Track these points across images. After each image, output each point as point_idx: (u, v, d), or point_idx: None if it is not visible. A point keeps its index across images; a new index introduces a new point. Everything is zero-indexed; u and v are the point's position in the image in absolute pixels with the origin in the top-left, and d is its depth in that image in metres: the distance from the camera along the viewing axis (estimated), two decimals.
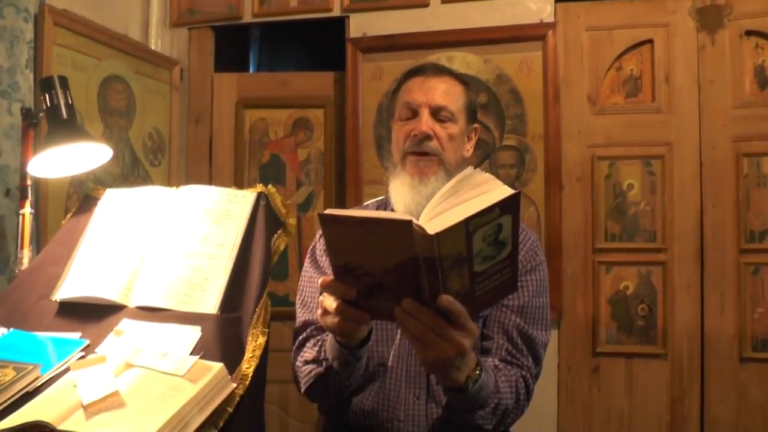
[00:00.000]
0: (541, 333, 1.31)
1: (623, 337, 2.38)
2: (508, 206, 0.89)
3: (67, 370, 1.07)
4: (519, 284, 1.27)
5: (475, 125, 1.42)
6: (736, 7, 2.32)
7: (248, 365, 1.11)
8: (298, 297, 1.43)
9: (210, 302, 1.20)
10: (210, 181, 2.69)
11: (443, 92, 1.34)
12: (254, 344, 1.15)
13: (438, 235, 0.83)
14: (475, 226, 0.87)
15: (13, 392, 1.02)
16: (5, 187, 1.84)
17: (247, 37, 3.40)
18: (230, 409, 1.03)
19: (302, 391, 1.32)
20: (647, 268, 2.37)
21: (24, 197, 1.63)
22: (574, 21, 2.47)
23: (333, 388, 1.25)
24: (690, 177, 2.35)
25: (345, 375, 1.20)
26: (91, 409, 0.96)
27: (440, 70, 1.40)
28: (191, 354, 1.09)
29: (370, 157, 2.58)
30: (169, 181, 2.64)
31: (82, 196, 1.54)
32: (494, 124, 2.49)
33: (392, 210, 1.35)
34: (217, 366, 1.02)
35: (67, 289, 1.26)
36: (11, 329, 1.18)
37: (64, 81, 1.53)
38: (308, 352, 1.29)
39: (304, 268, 1.46)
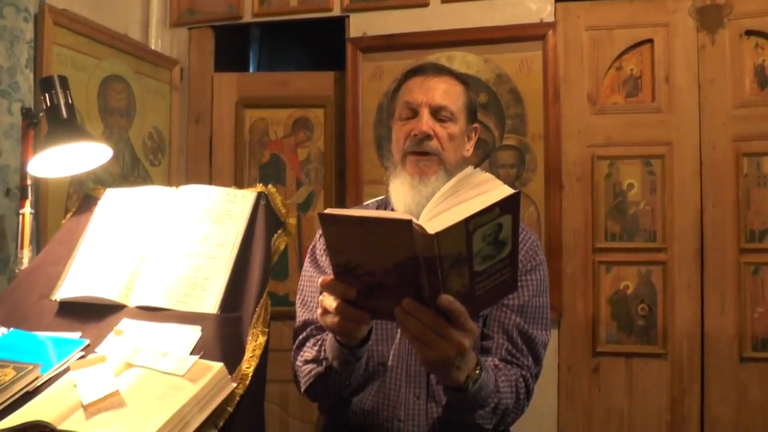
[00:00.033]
0: (541, 332, 1.31)
1: (623, 337, 2.38)
2: (508, 206, 0.90)
3: (67, 369, 1.07)
4: (519, 284, 1.27)
5: (475, 125, 1.42)
6: (736, 6, 2.32)
7: (248, 365, 1.11)
8: (298, 296, 1.43)
9: (210, 302, 1.20)
10: (210, 180, 2.69)
11: (443, 92, 1.34)
12: (254, 344, 1.15)
13: (438, 234, 0.83)
14: (475, 225, 0.87)
15: (13, 392, 1.02)
16: (5, 187, 1.84)
17: (247, 36, 3.40)
18: (230, 409, 1.03)
19: (302, 390, 1.32)
20: (647, 268, 2.37)
21: (24, 197, 1.63)
22: (574, 21, 2.47)
23: (333, 387, 1.25)
24: (690, 177, 2.35)
25: (345, 374, 1.20)
26: (91, 409, 0.96)
27: (440, 70, 1.40)
28: (191, 354, 1.09)
29: (370, 156, 2.58)
30: (169, 180, 2.64)
31: (82, 195, 1.54)
32: (494, 124, 2.49)
33: (392, 210, 1.35)
34: (217, 366, 1.02)
35: (67, 289, 1.26)
36: (11, 329, 1.18)
37: (64, 81, 1.53)
38: (308, 352, 1.29)
39: (304, 268, 1.46)
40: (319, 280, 0.99)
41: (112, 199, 1.42)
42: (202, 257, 1.26)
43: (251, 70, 3.44)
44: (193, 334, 1.13)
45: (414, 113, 1.33)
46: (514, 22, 2.48)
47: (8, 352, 1.11)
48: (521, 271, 1.31)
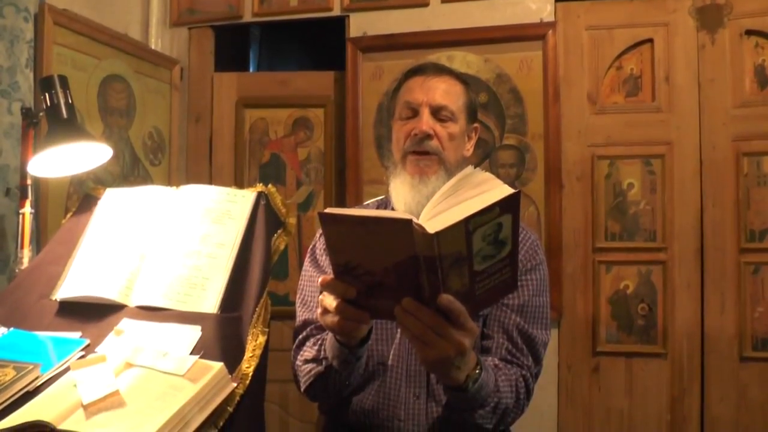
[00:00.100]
0: (541, 332, 1.31)
1: (623, 337, 2.38)
2: (508, 205, 0.90)
3: (67, 369, 1.07)
4: (519, 283, 1.27)
5: (476, 125, 1.42)
6: (736, 6, 2.32)
7: (248, 365, 1.11)
8: (298, 296, 1.43)
9: (210, 302, 1.20)
10: (210, 180, 2.69)
11: (443, 92, 1.34)
12: (254, 344, 1.15)
13: (438, 234, 0.83)
14: (475, 225, 0.87)
15: (14, 392, 1.02)
16: (5, 187, 1.84)
17: (247, 36, 3.40)
18: (230, 409, 1.03)
19: (302, 390, 1.32)
20: (647, 268, 2.37)
21: (24, 197, 1.63)
22: (574, 20, 2.47)
23: (333, 387, 1.25)
24: (690, 176, 2.35)
25: (345, 374, 1.20)
26: (91, 409, 0.96)
27: (440, 70, 1.40)
28: (191, 353, 1.09)
29: (371, 156, 2.58)
30: (169, 180, 2.64)
31: (82, 195, 1.55)
32: (494, 124, 2.48)
33: (393, 209, 1.35)
34: (217, 365, 1.02)
35: (67, 289, 1.26)
36: (11, 329, 1.18)
37: (64, 80, 1.53)
38: (308, 351, 1.29)
39: (304, 267, 1.46)
40: (319, 280, 0.99)
41: (112, 199, 1.42)
42: (202, 257, 1.26)
43: (251, 70, 3.44)
44: (193, 333, 1.13)
45: (414, 113, 1.33)
46: (514, 21, 2.48)
47: (8, 351, 1.11)
48: (521, 270, 1.31)
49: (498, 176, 0.96)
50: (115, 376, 1.02)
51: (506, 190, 0.91)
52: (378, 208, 1.50)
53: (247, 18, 2.74)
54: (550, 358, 2.26)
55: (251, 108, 2.75)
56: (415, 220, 0.85)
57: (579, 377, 2.41)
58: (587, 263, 2.42)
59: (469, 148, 1.41)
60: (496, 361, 1.25)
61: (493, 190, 0.92)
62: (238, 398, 1.04)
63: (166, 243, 1.30)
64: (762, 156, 2.29)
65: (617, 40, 2.44)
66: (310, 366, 1.27)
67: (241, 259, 1.27)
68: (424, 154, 1.31)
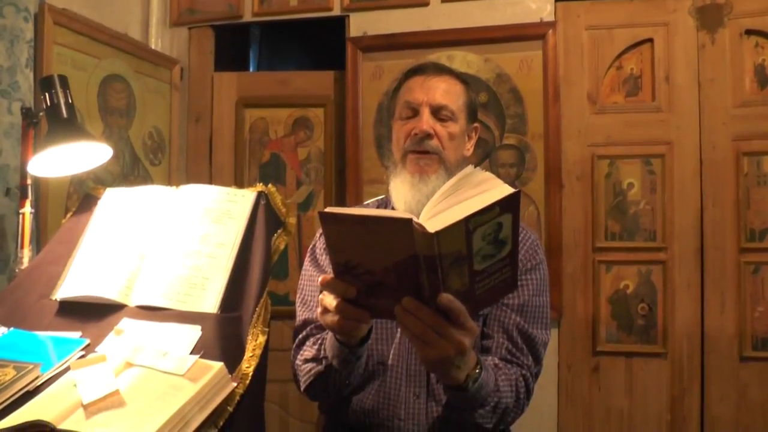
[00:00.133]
0: (541, 332, 1.32)
1: (623, 336, 2.38)
2: (508, 205, 0.90)
3: (67, 369, 1.07)
4: (519, 283, 1.27)
5: (476, 124, 1.43)
6: (736, 6, 2.32)
7: (248, 364, 1.11)
8: (298, 295, 1.43)
9: (210, 301, 1.20)
10: (210, 180, 2.69)
11: (444, 91, 1.34)
12: (254, 343, 1.15)
13: (438, 233, 0.83)
14: (475, 224, 0.87)
15: (14, 391, 1.02)
16: (5, 187, 1.84)
17: (247, 36, 3.40)
18: (230, 409, 1.03)
19: (302, 389, 1.32)
20: (647, 267, 2.37)
21: (24, 196, 1.63)
22: (574, 20, 2.47)
23: (333, 386, 1.25)
24: (690, 176, 2.35)
25: (345, 373, 1.20)
26: (91, 409, 0.96)
27: (441, 70, 1.40)
28: (191, 353, 1.09)
29: (371, 156, 2.58)
30: (170, 180, 2.64)
31: (82, 195, 1.55)
32: (494, 123, 2.48)
33: (393, 208, 1.35)
34: (217, 365, 1.02)
35: (67, 289, 1.26)
36: (11, 328, 1.18)
37: (64, 80, 1.53)
38: (308, 351, 1.29)
39: (304, 267, 1.46)
40: (319, 279, 0.99)
41: (112, 199, 1.42)
42: (202, 257, 1.26)
43: (251, 70, 3.44)
44: (193, 333, 1.13)
45: (414, 112, 1.34)
46: (515, 21, 2.48)
47: (8, 351, 1.11)
48: (521, 270, 1.31)
49: (498, 176, 0.96)
50: (115, 376, 1.02)
51: (506, 190, 0.91)
52: (378, 207, 1.49)
53: (247, 18, 2.74)
54: (550, 358, 2.26)
55: (251, 108, 2.75)
56: (415, 219, 0.85)
57: (579, 377, 2.41)
58: (587, 263, 2.42)
59: (469, 148, 1.41)
60: (496, 361, 1.25)
61: (493, 189, 0.92)
62: (238, 398, 1.04)
63: (166, 243, 1.30)
64: (762, 156, 2.29)
65: (617, 39, 2.44)
66: (310, 365, 1.27)
67: (241, 258, 1.27)
68: (424, 154, 1.31)
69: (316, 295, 1.32)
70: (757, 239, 2.28)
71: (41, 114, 1.59)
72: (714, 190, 2.32)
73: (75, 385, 1.01)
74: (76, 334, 1.17)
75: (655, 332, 2.35)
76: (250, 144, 2.75)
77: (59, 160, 1.55)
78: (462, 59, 2.51)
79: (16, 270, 1.60)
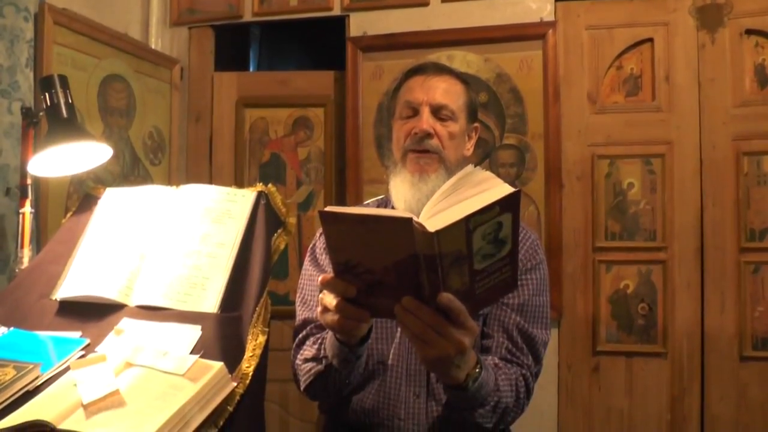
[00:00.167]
0: (541, 331, 1.31)
1: (623, 336, 2.38)
2: (509, 204, 0.89)
3: (67, 369, 1.07)
4: (519, 283, 1.27)
5: (476, 124, 1.42)
6: (736, 5, 2.32)
7: (248, 364, 1.10)
8: (298, 295, 1.43)
9: (210, 301, 1.20)
10: (210, 180, 2.69)
11: (444, 91, 1.34)
12: (254, 343, 1.14)
13: (438, 232, 0.83)
14: (476, 223, 0.87)
15: (14, 391, 1.02)
16: (5, 186, 1.84)
17: (247, 36, 3.40)
18: (230, 408, 1.03)
19: (302, 389, 1.32)
20: (647, 267, 2.37)
21: (24, 196, 1.63)
22: (574, 20, 2.47)
23: (333, 386, 1.25)
24: (690, 176, 2.35)
25: (345, 373, 1.20)
26: (91, 408, 0.96)
27: (441, 69, 1.40)
28: (191, 353, 1.09)
29: (371, 156, 2.58)
30: (170, 180, 2.64)
31: (82, 195, 1.54)
32: (494, 123, 2.48)
33: (393, 208, 1.35)
34: (218, 365, 1.02)
35: (67, 288, 1.26)
36: (11, 328, 1.18)
37: (64, 80, 1.53)
38: (308, 350, 1.29)
39: (304, 267, 1.46)
40: (319, 278, 0.99)
41: (112, 199, 1.42)
42: (202, 256, 1.26)
43: (251, 70, 3.44)
44: (193, 333, 1.13)
45: (415, 112, 1.34)
46: (515, 21, 2.48)
47: (8, 351, 1.11)
48: (521, 270, 1.31)
49: (498, 176, 0.95)
50: (115, 376, 1.02)
51: (506, 189, 0.91)
52: (378, 207, 1.49)
53: (247, 17, 2.74)
54: (550, 358, 2.26)
55: (251, 107, 2.75)
56: (415, 218, 0.85)
57: (579, 377, 2.41)
58: (587, 263, 2.42)
59: (469, 148, 1.41)
60: (496, 361, 1.25)
61: (493, 188, 0.92)
62: (238, 398, 1.04)
63: (166, 242, 1.30)
64: (762, 155, 2.29)
65: (617, 39, 2.44)
66: (310, 365, 1.27)
67: (241, 258, 1.27)
68: (424, 153, 1.31)
69: (316, 294, 1.32)
70: (757, 239, 2.28)
71: (41, 114, 1.59)
72: (714, 190, 2.32)
73: (75, 385, 1.01)
74: (76, 334, 1.17)
75: (655, 332, 2.35)
76: (250, 144, 2.75)
77: (59, 160, 1.55)
78: (462, 59, 2.51)
79: (16, 270, 1.60)
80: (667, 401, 2.34)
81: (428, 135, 1.30)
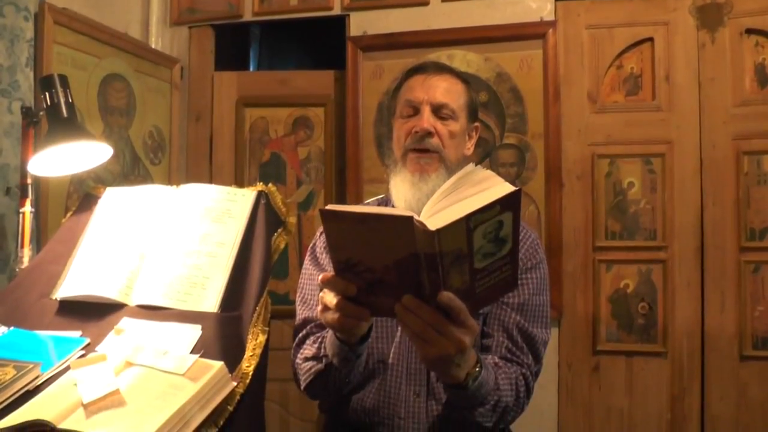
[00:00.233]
0: (541, 331, 1.31)
1: (623, 336, 2.38)
2: (509, 203, 0.89)
3: (67, 368, 1.07)
4: (519, 282, 1.27)
5: (476, 124, 1.42)
6: (736, 5, 2.32)
7: (248, 364, 1.10)
8: (298, 294, 1.43)
9: (210, 301, 1.20)
10: (210, 179, 2.69)
11: (444, 90, 1.34)
12: (254, 343, 1.14)
13: (439, 231, 0.83)
14: (476, 222, 0.87)
15: (14, 391, 1.02)
16: (5, 186, 1.84)
17: (247, 35, 3.40)
18: (230, 408, 1.03)
19: (302, 388, 1.32)
20: (647, 266, 2.37)
21: (24, 196, 1.63)
22: (574, 19, 2.47)
23: (333, 384, 1.25)
24: (690, 175, 2.35)
25: (345, 372, 1.20)
26: (91, 408, 0.96)
27: (441, 68, 1.40)
28: (191, 352, 1.08)
29: (371, 155, 2.58)
30: (170, 179, 2.64)
31: (82, 194, 1.54)
32: (495, 123, 2.48)
33: (393, 207, 1.35)
34: (218, 364, 1.02)
35: (67, 288, 1.26)
36: (12, 328, 1.18)
37: (64, 79, 1.53)
38: (308, 349, 1.29)
39: (304, 266, 1.46)
40: (320, 277, 0.99)
41: (113, 198, 1.42)
42: (203, 256, 1.26)
43: (251, 69, 3.44)
44: (193, 332, 1.13)
45: (415, 111, 1.33)
46: (515, 20, 2.48)
47: (8, 350, 1.11)
48: (521, 269, 1.31)
49: (498, 175, 0.95)
50: (115, 375, 1.02)
51: (507, 188, 0.91)
52: (379, 206, 1.49)
53: (248, 17, 2.74)
54: (550, 357, 2.27)
55: (251, 107, 2.75)
56: (416, 217, 0.85)
57: (579, 376, 2.41)
58: (587, 262, 2.42)
59: (469, 147, 1.41)
60: (496, 360, 1.25)
61: (493, 187, 0.91)
62: (238, 397, 1.04)
63: (167, 242, 1.30)
64: (762, 155, 2.29)
65: (617, 39, 2.44)
66: (310, 364, 1.27)
67: (242, 258, 1.26)
68: (424, 152, 1.31)
69: (316, 293, 1.32)
70: (757, 238, 2.28)
71: (41, 113, 1.59)
72: (714, 189, 2.32)
73: (75, 385, 1.01)
74: (76, 334, 1.17)
75: (655, 331, 2.35)
76: (251, 143, 2.75)
77: (59, 160, 1.55)
78: (462, 58, 2.51)
79: (17, 269, 1.60)
80: (667, 401, 2.34)
81: (429, 134, 1.30)
